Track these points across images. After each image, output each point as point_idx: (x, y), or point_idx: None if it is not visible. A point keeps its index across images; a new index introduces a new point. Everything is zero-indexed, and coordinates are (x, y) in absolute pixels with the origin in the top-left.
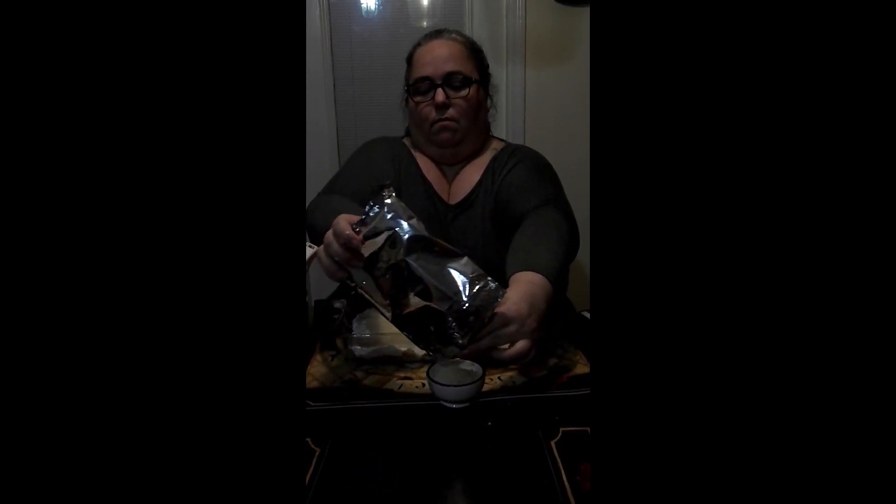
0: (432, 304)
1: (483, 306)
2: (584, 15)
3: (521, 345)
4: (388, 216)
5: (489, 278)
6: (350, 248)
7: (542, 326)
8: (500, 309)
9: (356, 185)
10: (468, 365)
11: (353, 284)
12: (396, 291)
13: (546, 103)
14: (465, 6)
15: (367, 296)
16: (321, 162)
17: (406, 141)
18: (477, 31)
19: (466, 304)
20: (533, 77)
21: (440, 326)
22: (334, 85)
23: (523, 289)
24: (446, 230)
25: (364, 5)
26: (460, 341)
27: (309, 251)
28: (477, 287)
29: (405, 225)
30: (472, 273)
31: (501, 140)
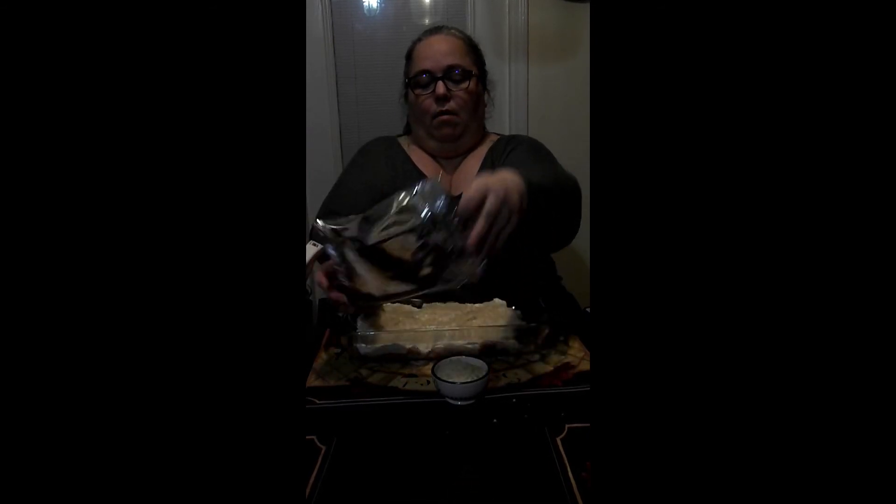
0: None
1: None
2: (586, 11)
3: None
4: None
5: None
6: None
7: (507, 222)
8: (467, 192)
9: (357, 202)
10: (473, 362)
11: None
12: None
13: (549, 100)
14: (467, 3)
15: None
16: (324, 160)
17: (402, 139)
18: (479, 27)
19: (437, 209)
20: (536, 73)
21: (444, 258)
22: (337, 83)
23: (494, 175)
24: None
25: (366, 3)
26: (459, 244)
27: (312, 249)
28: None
29: (429, 211)
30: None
31: (498, 134)
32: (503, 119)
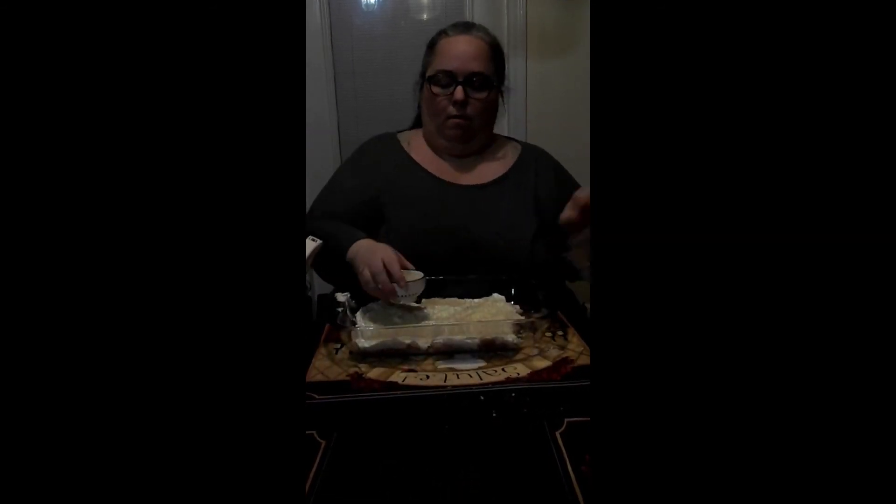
0: None
1: None
2: (585, 6)
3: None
4: None
5: None
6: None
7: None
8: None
9: (350, 203)
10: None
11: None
12: None
13: (547, 96)
14: None
15: None
16: (323, 155)
17: (402, 136)
18: (477, 23)
19: None
20: (534, 69)
21: None
22: (335, 78)
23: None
24: (465, 207)
25: None
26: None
27: (312, 245)
28: None
29: None
30: None
31: (507, 138)
32: (500, 115)
